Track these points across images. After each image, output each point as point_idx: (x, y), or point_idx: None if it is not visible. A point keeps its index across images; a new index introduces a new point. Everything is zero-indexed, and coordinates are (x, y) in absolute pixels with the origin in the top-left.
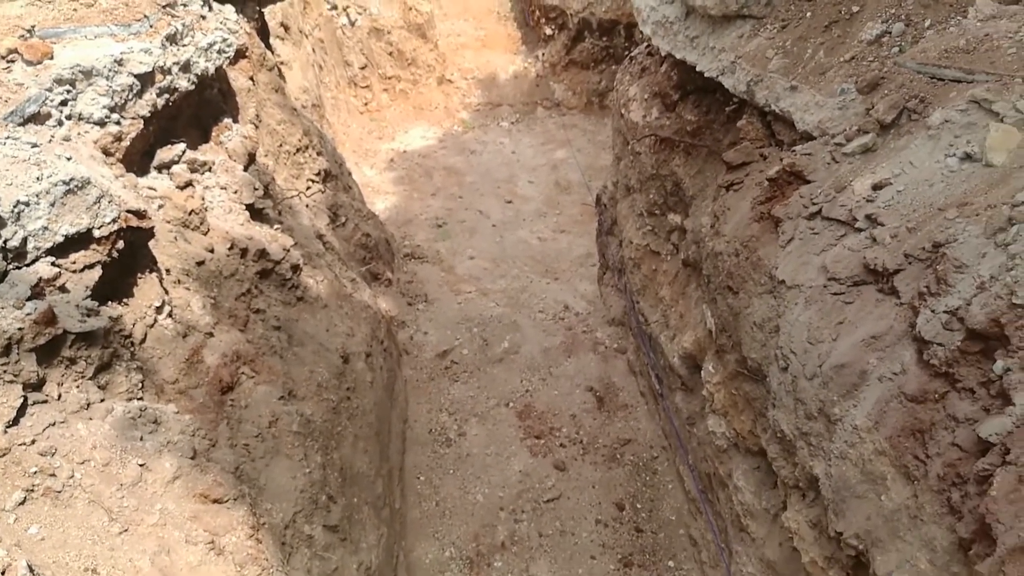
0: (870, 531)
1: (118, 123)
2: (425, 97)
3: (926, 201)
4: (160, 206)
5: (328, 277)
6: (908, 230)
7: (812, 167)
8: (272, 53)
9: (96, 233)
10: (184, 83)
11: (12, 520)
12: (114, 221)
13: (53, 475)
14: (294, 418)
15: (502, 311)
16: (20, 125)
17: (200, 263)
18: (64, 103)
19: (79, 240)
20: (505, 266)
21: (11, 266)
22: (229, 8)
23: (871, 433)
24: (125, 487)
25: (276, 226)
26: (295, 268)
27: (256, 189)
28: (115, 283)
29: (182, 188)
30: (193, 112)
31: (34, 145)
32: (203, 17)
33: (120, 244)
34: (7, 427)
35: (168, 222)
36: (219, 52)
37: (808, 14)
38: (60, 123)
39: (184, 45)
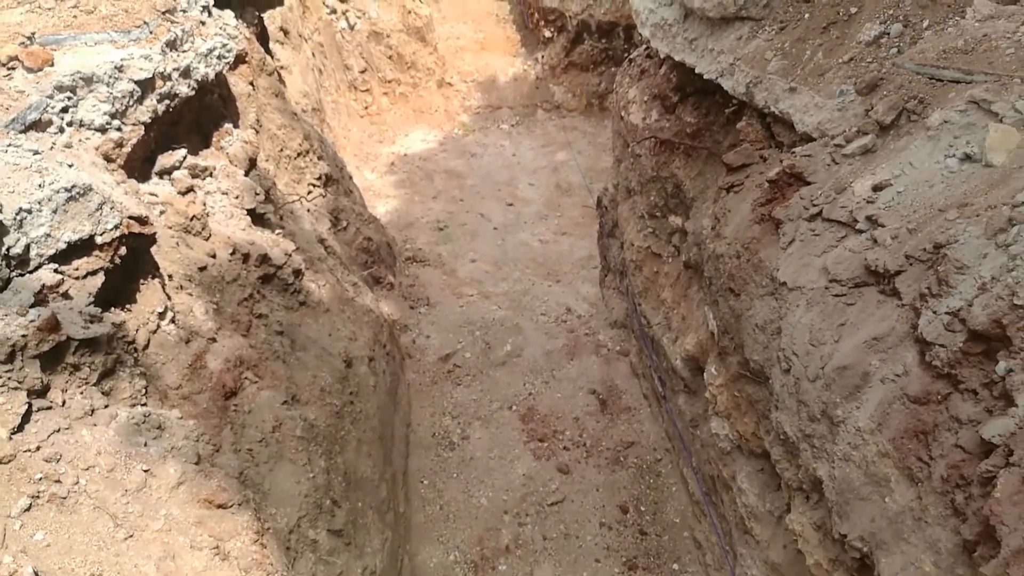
0: (874, 533)
1: (119, 129)
2: (425, 100)
3: (926, 202)
4: (162, 212)
5: (330, 281)
6: (909, 231)
7: (812, 168)
8: (272, 58)
9: (98, 239)
10: (184, 89)
11: (18, 526)
12: (116, 227)
13: (58, 481)
14: (297, 423)
15: (504, 314)
16: (21, 132)
17: (202, 268)
18: (65, 110)
19: (81, 247)
20: (507, 269)
21: (14, 273)
22: (228, 13)
23: (874, 435)
24: (130, 493)
25: (278, 231)
26: (297, 273)
27: (257, 194)
28: (118, 289)
29: (183, 194)
30: (194, 118)
31: (36, 152)
32: (203, 23)
33: (122, 250)
34: (12, 434)
35: (170, 228)
36: (219, 57)
37: (806, 15)
38: (61, 130)
39: (184, 51)
